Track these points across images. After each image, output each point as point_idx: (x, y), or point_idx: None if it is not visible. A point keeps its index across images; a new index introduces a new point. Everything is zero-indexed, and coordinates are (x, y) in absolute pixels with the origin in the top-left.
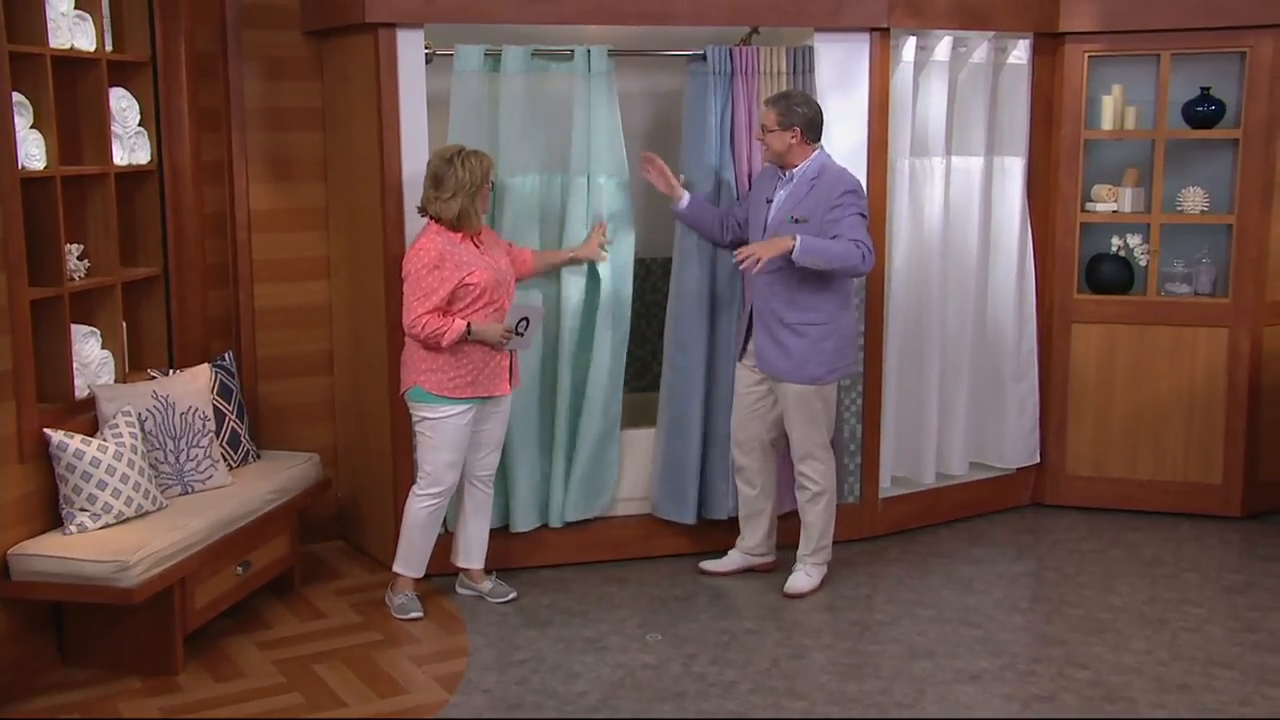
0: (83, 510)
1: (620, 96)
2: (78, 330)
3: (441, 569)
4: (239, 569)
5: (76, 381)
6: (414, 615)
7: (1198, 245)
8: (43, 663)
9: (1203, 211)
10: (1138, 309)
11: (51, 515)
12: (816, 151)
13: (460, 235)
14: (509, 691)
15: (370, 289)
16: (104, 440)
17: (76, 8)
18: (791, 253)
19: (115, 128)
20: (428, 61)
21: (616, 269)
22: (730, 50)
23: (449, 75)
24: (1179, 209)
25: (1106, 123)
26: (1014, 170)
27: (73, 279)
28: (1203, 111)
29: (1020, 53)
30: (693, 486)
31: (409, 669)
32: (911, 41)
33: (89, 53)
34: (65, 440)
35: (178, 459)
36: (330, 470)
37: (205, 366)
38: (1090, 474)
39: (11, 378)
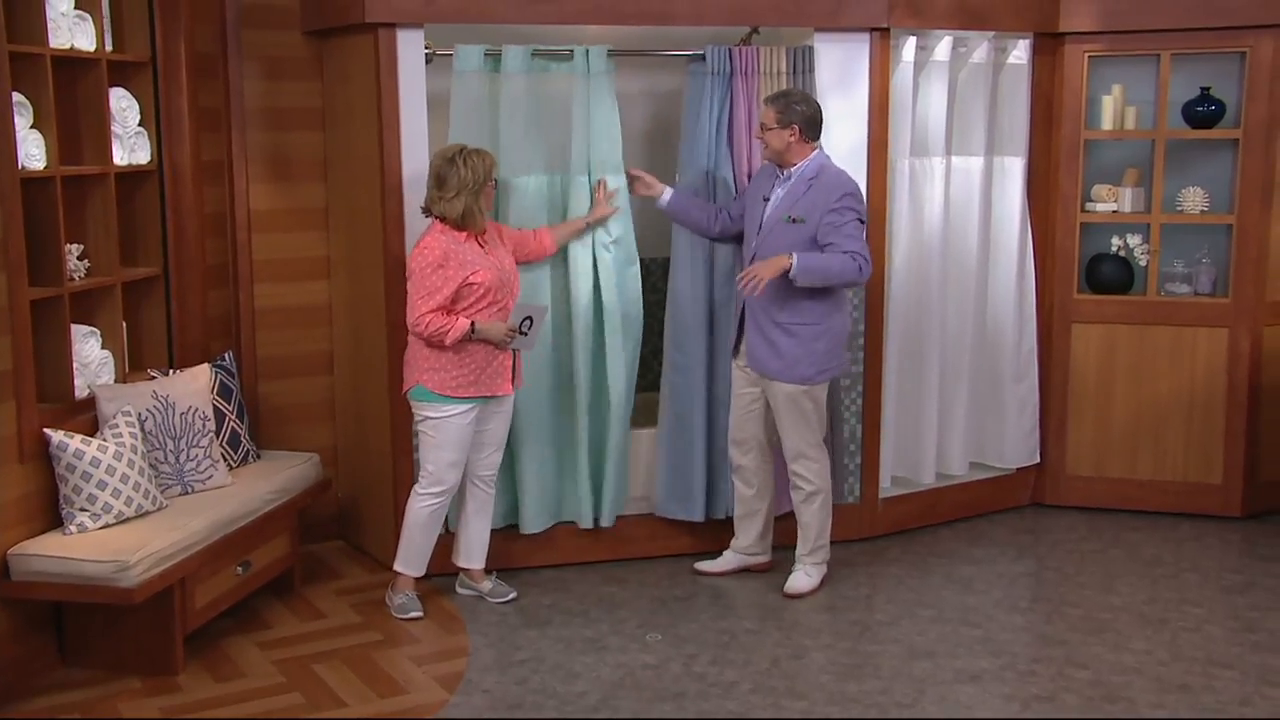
0: (83, 510)
1: (620, 96)
2: (78, 330)
3: (442, 569)
4: (239, 569)
5: (76, 381)
6: (414, 615)
7: (1198, 245)
8: (43, 663)
9: (1203, 211)
10: (1138, 309)
11: (51, 515)
12: (815, 151)
13: (464, 234)
14: (509, 691)
15: (370, 289)
16: (104, 440)
17: (76, 8)
18: (790, 271)
19: (115, 128)
20: (428, 61)
21: (623, 269)
22: (730, 50)
23: (449, 75)
24: (1179, 209)
25: (1106, 123)
26: (1014, 170)
27: (73, 279)
28: (1203, 111)
29: (1020, 53)
30: (699, 484)
31: (409, 669)
32: (911, 41)
33: (89, 53)
34: (65, 440)
35: (178, 459)
36: (330, 470)
37: (205, 366)
38: (1090, 474)
39: (11, 378)
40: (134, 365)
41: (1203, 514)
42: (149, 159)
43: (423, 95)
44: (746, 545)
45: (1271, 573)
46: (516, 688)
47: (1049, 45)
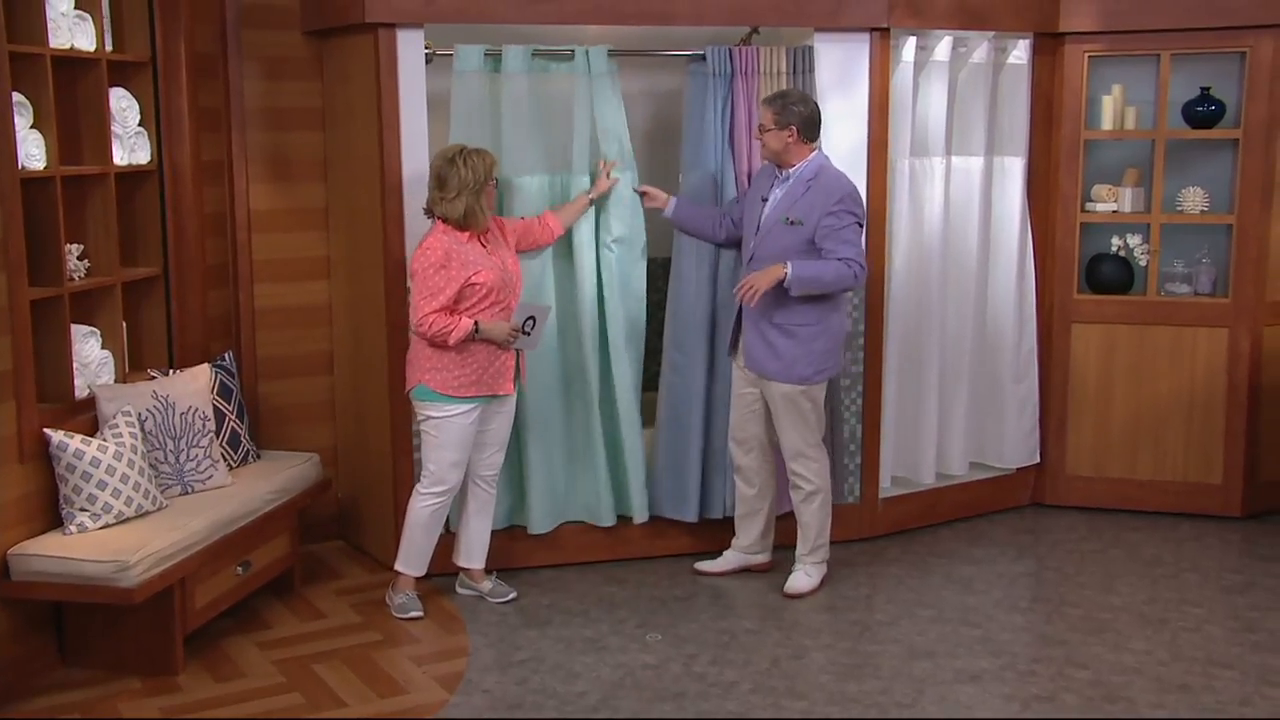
0: (83, 510)
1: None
2: (78, 330)
3: (442, 569)
4: (239, 569)
5: (76, 381)
6: (414, 615)
7: (1198, 245)
8: (43, 663)
9: (1203, 211)
10: (1138, 309)
11: (51, 515)
12: (814, 152)
13: (466, 235)
14: (509, 691)
15: (370, 289)
16: (104, 440)
17: (76, 8)
18: (785, 281)
19: (115, 128)
20: (428, 61)
21: (628, 269)
22: (730, 50)
23: (449, 75)
24: (1179, 209)
25: (1106, 123)
26: (1014, 170)
27: (73, 279)
28: (1203, 111)
29: (1020, 53)
30: (694, 485)
31: (409, 669)
32: (911, 41)
33: (89, 53)
34: (65, 440)
35: (178, 459)
36: (330, 470)
37: (205, 366)
38: (1090, 474)
39: (11, 378)
40: (134, 365)
41: (1203, 514)
42: (149, 159)
43: (423, 95)
44: (747, 545)
45: (1271, 573)
46: (516, 688)
47: (1049, 45)
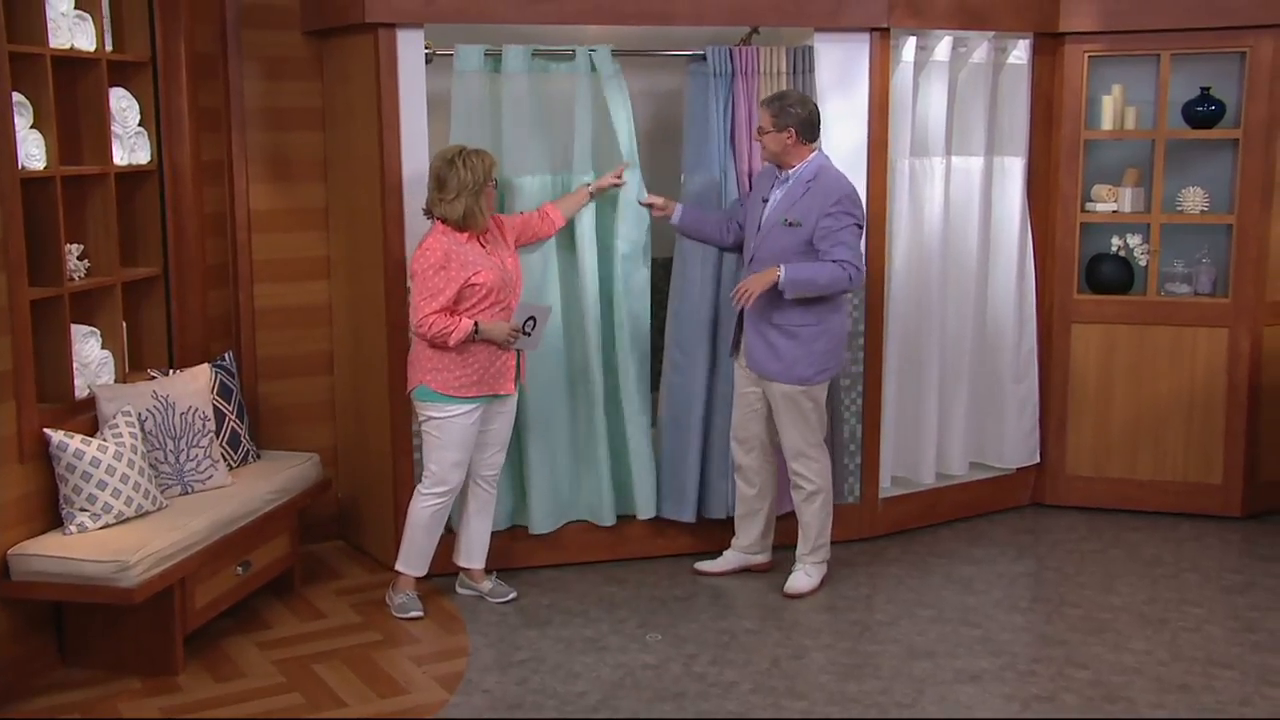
0: (83, 510)
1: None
2: (78, 330)
3: (442, 569)
4: (239, 569)
5: (76, 381)
6: (414, 615)
7: (1198, 245)
8: (43, 663)
9: (1203, 211)
10: (1138, 309)
11: (51, 515)
12: (814, 153)
13: (466, 235)
14: (509, 691)
15: (370, 289)
16: (104, 440)
17: (76, 8)
18: (779, 284)
19: (115, 128)
20: (428, 61)
21: (632, 272)
22: (730, 50)
23: (449, 75)
24: (1179, 209)
25: (1106, 123)
26: (1014, 170)
27: (73, 279)
28: (1203, 111)
29: (1020, 53)
30: (693, 485)
31: (409, 669)
32: (911, 41)
33: (89, 53)
34: (65, 440)
35: (178, 459)
36: (330, 470)
37: (205, 366)
38: (1090, 474)
39: (11, 378)
40: (134, 365)
41: (1203, 514)
42: (149, 159)
43: (423, 95)
44: (747, 545)
45: (1271, 573)
46: (516, 688)
47: (1049, 45)
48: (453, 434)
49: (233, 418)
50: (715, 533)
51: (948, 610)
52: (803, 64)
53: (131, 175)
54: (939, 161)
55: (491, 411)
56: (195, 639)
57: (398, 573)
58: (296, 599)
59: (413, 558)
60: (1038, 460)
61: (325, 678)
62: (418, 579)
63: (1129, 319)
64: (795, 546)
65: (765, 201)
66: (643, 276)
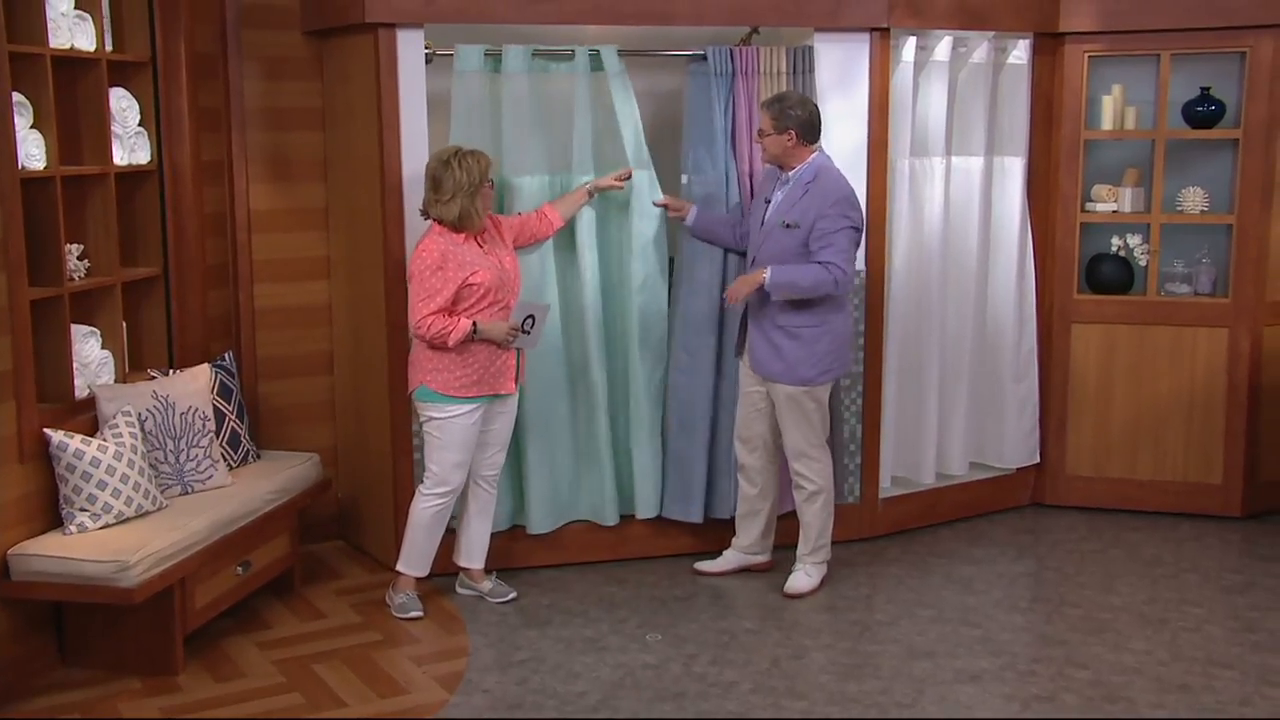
0: (83, 510)
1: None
2: (78, 330)
3: (443, 569)
4: (239, 569)
5: (76, 381)
6: (414, 615)
7: (1198, 245)
8: (43, 663)
9: (1203, 211)
10: (1138, 309)
11: (51, 515)
12: (815, 153)
13: (463, 236)
14: (509, 691)
15: (370, 289)
16: (104, 440)
17: (76, 8)
18: (764, 286)
19: (115, 128)
20: (428, 61)
21: (649, 269)
22: (731, 50)
23: (449, 75)
24: (1179, 209)
25: (1106, 123)
26: (1014, 170)
27: (73, 279)
28: (1203, 111)
29: (1020, 53)
30: (700, 486)
31: (409, 669)
32: (911, 41)
33: (89, 53)
34: (65, 440)
35: (178, 459)
36: (330, 470)
37: (205, 366)
38: (1090, 474)
39: (11, 378)
40: (134, 365)
41: (1203, 514)
42: (149, 159)
43: (423, 95)
44: (747, 544)
45: (1271, 573)
46: (516, 688)
47: (1049, 45)
48: (454, 434)
49: (233, 418)
50: (716, 532)
51: (948, 610)
52: (803, 64)
53: (131, 175)
54: (939, 161)
55: (492, 411)
56: (195, 639)
57: (398, 573)
58: (296, 599)
59: (414, 558)
60: (1038, 460)
61: (325, 678)
62: (418, 579)
63: (1129, 319)
64: (796, 546)
65: (768, 203)
66: (656, 275)
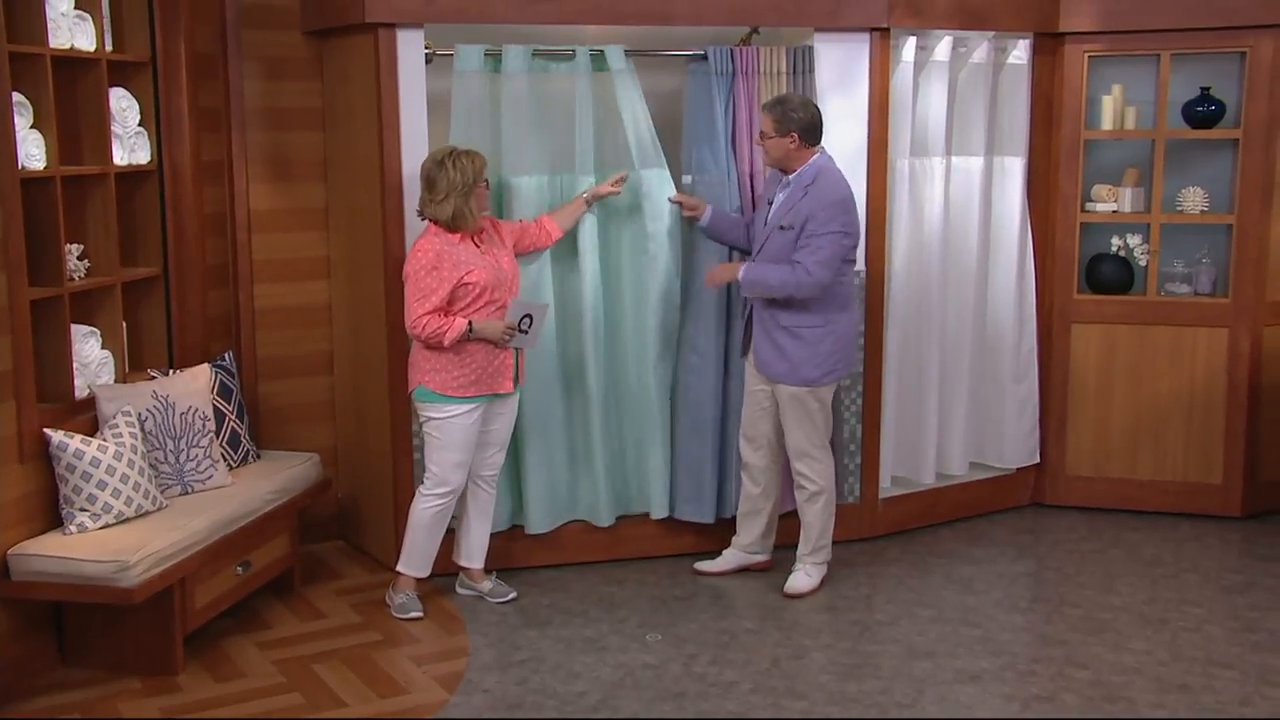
0: (83, 510)
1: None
2: (78, 330)
3: (443, 569)
4: (239, 569)
5: (76, 381)
6: (414, 615)
7: (1198, 245)
8: (43, 663)
9: (1203, 211)
10: (1138, 309)
11: (51, 515)
12: (816, 155)
13: (459, 235)
14: (509, 691)
15: (370, 289)
16: (104, 440)
17: (76, 8)
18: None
19: (115, 128)
20: (428, 61)
21: (665, 265)
22: (731, 50)
23: (449, 75)
24: (1179, 209)
25: (1106, 123)
26: (1014, 170)
27: (73, 279)
28: (1203, 111)
29: (1020, 53)
30: (710, 486)
31: (409, 669)
32: (911, 41)
33: (89, 53)
34: (65, 440)
35: (178, 459)
36: (330, 470)
37: (205, 366)
38: (1090, 474)
39: (11, 378)
40: (134, 365)
41: (1203, 514)
42: (149, 159)
43: (423, 95)
44: (748, 543)
45: (1271, 573)
46: (516, 688)
47: (1049, 45)
48: (453, 434)
49: (233, 418)
50: (716, 533)
51: (948, 610)
52: (803, 64)
53: (131, 175)
54: (939, 161)
55: (492, 412)
56: (195, 639)
57: (398, 573)
58: (296, 599)
59: (414, 559)
60: (1038, 460)
61: (325, 678)
62: (419, 579)
63: (1129, 319)
64: (796, 546)
65: (770, 204)
66: (671, 275)
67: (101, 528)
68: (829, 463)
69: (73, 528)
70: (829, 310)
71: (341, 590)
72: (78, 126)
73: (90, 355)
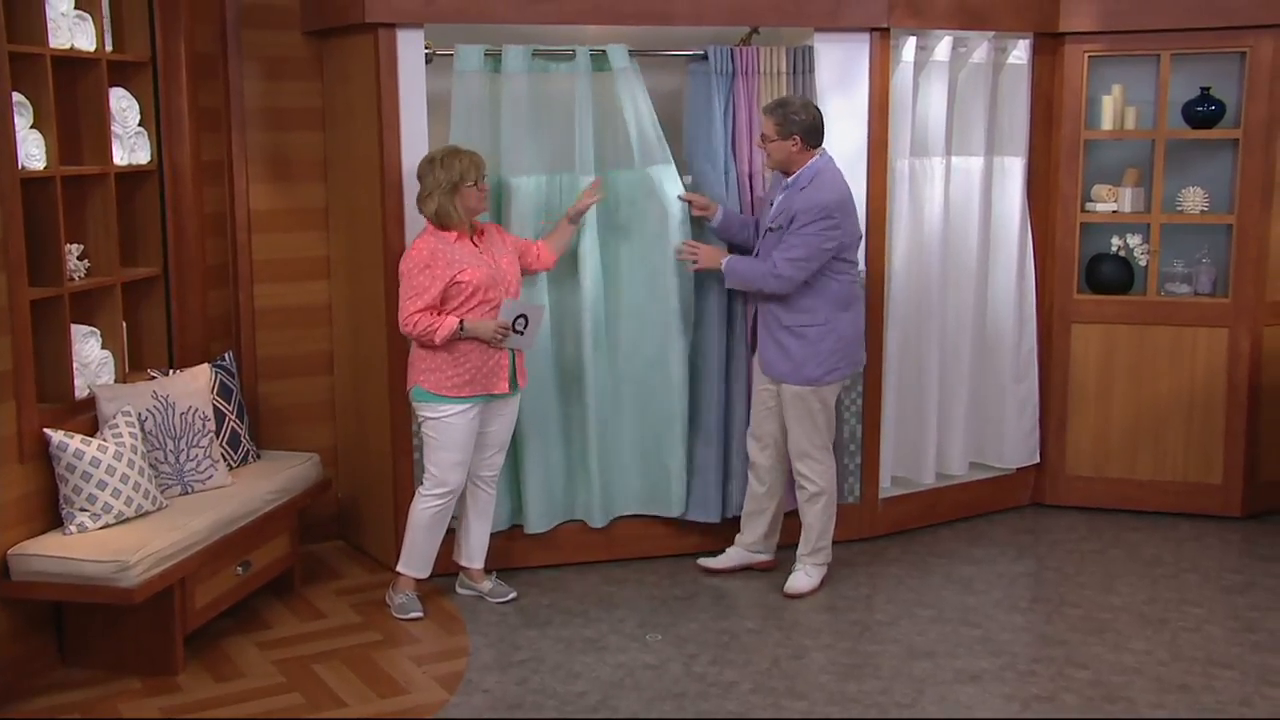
0: (83, 510)
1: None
2: (78, 330)
3: (443, 569)
4: (239, 569)
5: (76, 381)
6: (414, 615)
7: (1198, 245)
8: (43, 663)
9: (1203, 211)
10: (1138, 309)
11: (51, 515)
12: (817, 156)
13: (454, 235)
14: (509, 691)
15: (370, 289)
16: (104, 440)
17: (76, 8)
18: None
19: (115, 128)
20: (428, 61)
21: (674, 267)
22: (731, 50)
23: (449, 75)
24: (1179, 209)
25: (1106, 123)
26: (1014, 170)
27: (73, 279)
28: (1203, 111)
29: (1020, 53)
30: (716, 487)
31: (409, 669)
32: (911, 41)
33: (89, 53)
34: (65, 440)
35: (178, 459)
36: (330, 470)
37: (205, 366)
38: (1090, 474)
39: (11, 378)
40: (134, 365)
41: (1203, 514)
42: (149, 159)
43: (423, 95)
44: (751, 542)
45: (1271, 573)
46: (516, 688)
47: (1049, 45)
48: (450, 434)
49: (233, 418)
50: (717, 533)
51: (948, 610)
52: (803, 64)
53: (131, 175)
54: (939, 161)
55: (491, 412)
56: (195, 639)
57: (398, 573)
58: (296, 599)
59: (414, 559)
60: (1038, 460)
61: (325, 678)
62: (419, 580)
63: (1129, 319)
64: (796, 546)
65: (771, 205)
66: (683, 274)
67: (101, 528)
68: (830, 464)
69: (73, 528)
70: (830, 309)
71: (341, 590)
72: (78, 126)
73: (90, 355)
